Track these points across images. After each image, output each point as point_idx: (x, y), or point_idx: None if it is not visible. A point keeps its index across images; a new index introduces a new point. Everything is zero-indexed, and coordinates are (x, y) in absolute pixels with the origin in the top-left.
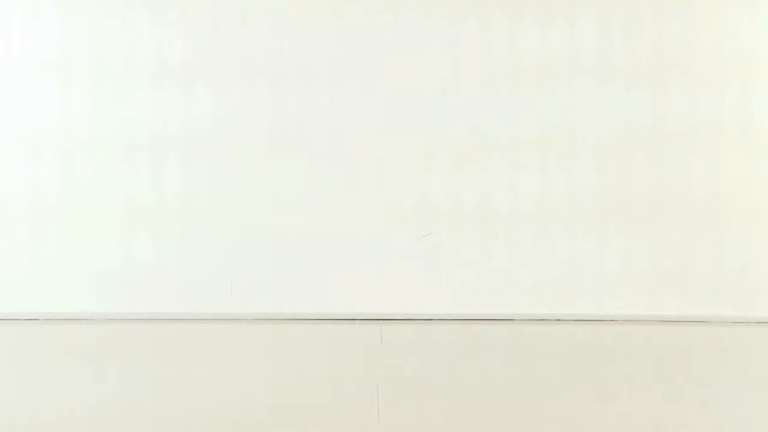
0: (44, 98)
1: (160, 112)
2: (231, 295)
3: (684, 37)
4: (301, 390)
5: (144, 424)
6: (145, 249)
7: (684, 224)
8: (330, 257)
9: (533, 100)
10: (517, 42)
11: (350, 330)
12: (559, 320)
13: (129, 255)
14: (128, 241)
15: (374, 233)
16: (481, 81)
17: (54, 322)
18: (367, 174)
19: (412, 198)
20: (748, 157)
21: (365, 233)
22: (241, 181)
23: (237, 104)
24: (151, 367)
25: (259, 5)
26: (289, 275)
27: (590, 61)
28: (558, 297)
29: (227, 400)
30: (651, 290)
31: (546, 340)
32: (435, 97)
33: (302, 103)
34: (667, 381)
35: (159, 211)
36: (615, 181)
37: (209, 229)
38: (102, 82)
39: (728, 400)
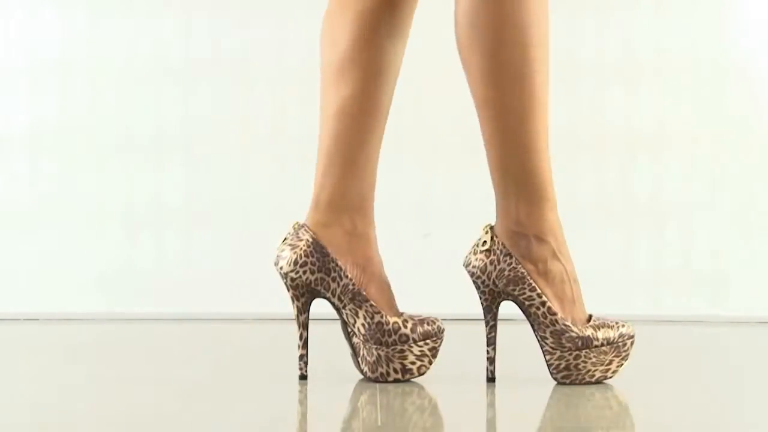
0: (44, 98)
1: (160, 112)
2: (231, 295)
3: (684, 37)
4: (300, 390)
5: (144, 423)
6: (145, 249)
7: (684, 224)
8: None
9: None
10: None
11: None
12: None
13: (129, 255)
14: (128, 241)
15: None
16: None
17: (54, 322)
18: None
19: (413, 198)
20: (749, 156)
21: None
22: (241, 180)
23: (237, 104)
24: (151, 367)
25: (260, 5)
26: None
27: (589, 60)
28: None
29: (227, 399)
30: (651, 290)
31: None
32: (433, 96)
33: (302, 103)
34: (667, 381)
35: (159, 211)
36: (615, 181)
37: (209, 229)
38: (102, 82)
39: (728, 400)
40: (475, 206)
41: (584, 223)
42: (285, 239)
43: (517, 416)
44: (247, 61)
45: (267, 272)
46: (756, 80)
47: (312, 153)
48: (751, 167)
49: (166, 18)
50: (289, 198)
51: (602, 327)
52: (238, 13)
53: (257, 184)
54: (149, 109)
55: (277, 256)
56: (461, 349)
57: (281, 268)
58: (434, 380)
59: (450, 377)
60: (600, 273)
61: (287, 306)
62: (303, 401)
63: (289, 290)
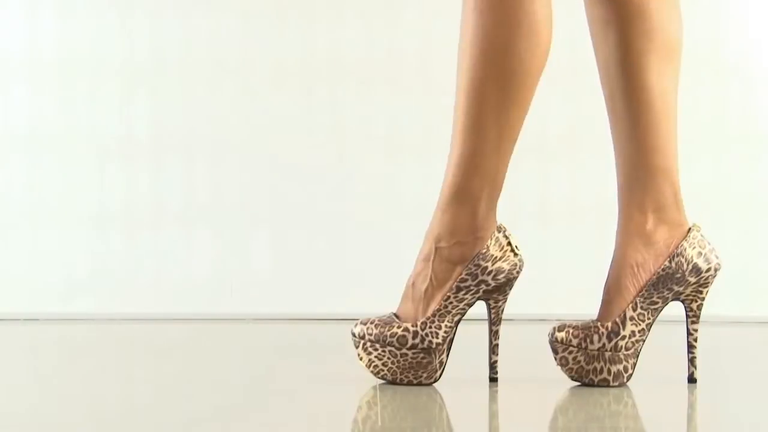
0: (43, 98)
1: (160, 112)
2: (231, 295)
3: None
4: (301, 390)
5: (144, 424)
6: (145, 249)
7: None
8: (331, 257)
9: (533, 100)
10: None
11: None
12: (559, 320)
13: (129, 255)
14: (128, 241)
15: (375, 233)
16: None
17: (54, 322)
18: (369, 174)
19: (414, 198)
20: (749, 156)
21: (366, 233)
22: (241, 180)
23: (237, 104)
24: (151, 367)
25: (260, 5)
26: (290, 275)
27: (591, 60)
28: (558, 297)
29: (227, 400)
30: None
31: (546, 340)
32: (433, 97)
33: (302, 104)
34: (667, 381)
35: (159, 211)
36: (615, 181)
37: (209, 229)
38: (102, 82)
39: (728, 400)
40: None
41: (585, 222)
42: (507, 244)
43: (524, 417)
44: (248, 61)
45: (267, 272)
46: (757, 80)
47: (311, 153)
48: (751, 167)
49: (165, 18)
50: (288, 198)
51: None
52: (238, 14)
53: (257, 184)
54: (149, 110)
55: (519, 259)
56: (464, 350)
57: (518, 271)
58: (442, 382)
59: (456, 378)
60: (601, 273)
61: (287, 306)
62: (306, 401)
63: (505, 293)
